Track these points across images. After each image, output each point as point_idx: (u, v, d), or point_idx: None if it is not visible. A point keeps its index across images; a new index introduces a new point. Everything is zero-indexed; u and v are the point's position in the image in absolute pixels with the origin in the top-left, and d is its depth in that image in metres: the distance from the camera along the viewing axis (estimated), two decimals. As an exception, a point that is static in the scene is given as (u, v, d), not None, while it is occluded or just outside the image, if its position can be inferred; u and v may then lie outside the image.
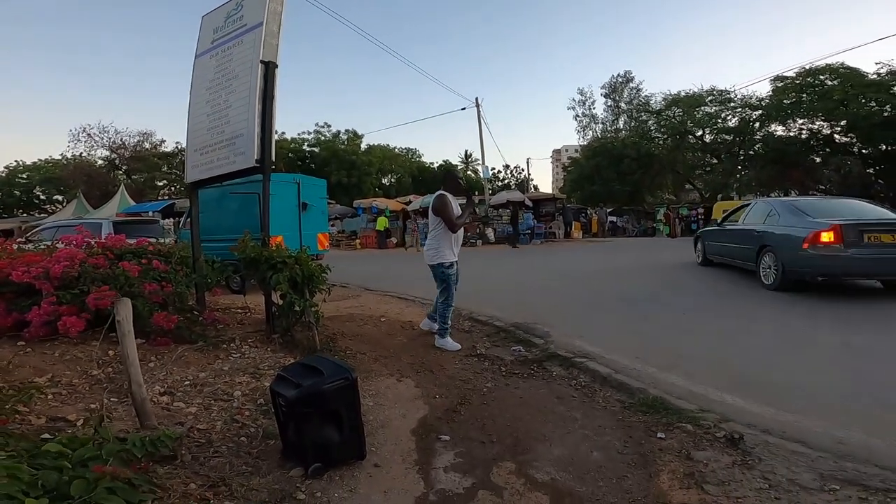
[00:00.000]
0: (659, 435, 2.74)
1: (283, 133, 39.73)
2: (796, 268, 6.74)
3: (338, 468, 2.36)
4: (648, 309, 6.26)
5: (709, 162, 34.73)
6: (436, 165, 52.28)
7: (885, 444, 2.48)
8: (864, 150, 26.99)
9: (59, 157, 38.22)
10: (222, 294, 6.64)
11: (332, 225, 24.34)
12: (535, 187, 56.02)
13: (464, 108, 28.34)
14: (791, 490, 2.13)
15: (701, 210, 29.63)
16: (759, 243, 7.69)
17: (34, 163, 39.14)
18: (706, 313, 5.94)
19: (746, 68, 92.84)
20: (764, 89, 30.47)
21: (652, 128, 35.45)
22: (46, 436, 1.90)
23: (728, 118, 31.88)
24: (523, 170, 59.13)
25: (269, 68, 4.39)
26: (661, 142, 34.47)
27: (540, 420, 3.02)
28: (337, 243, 23.26)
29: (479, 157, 31.21)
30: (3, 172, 38.98)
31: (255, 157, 4.30)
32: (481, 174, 30.90)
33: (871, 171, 27.44)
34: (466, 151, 59.41)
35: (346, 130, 42.47)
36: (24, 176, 38.79)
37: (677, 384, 3.48)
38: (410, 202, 26.50)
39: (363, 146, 42.90)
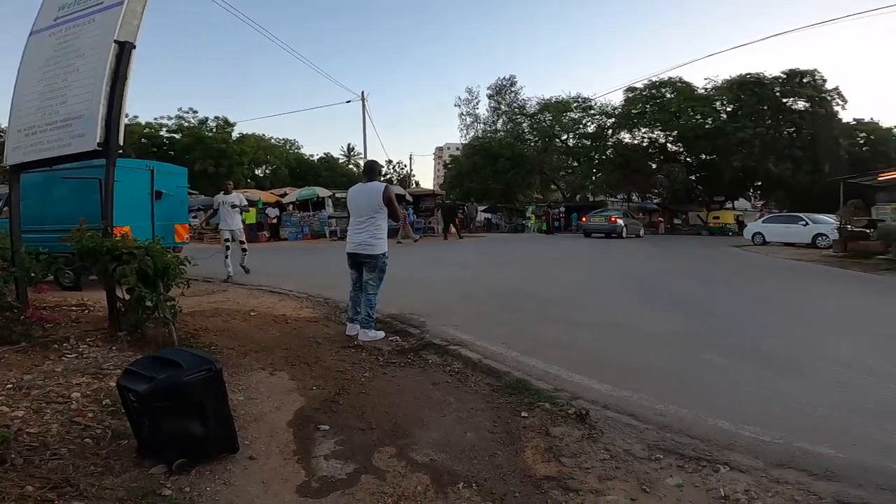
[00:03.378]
0: (523, 414, 2.98)
1: (136, 117, 35.02)
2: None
3: (207, 463, 2.23)
4: (515, 299, 6.82)
5: (570, 164, 38.28)
6: (316, 158, 50.50)
7: (692, 416, 2.95)
8: (688, 159, 31.93)
9: None
10: (50, 291, 5.69)
11: (195, 216, 22.02)
12: (417, 183, 56.77)
13: (349, 101, 27.73)
14: (627, 459, 2.45)
15: (563, 209, 32.65)
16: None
17: None
18: (566, 303, 6.62)
19: (611, 77, 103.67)
20: (619, 98, 34.74)
21: (526, 130, 38.02)
22: None
23: (588, 124, 35.47)
24: (405, 165, 59.58)
25: (125, 49, 4.00)
26: (532, 144, 37.02)
27: (417, 406, 3.11)
28: (200, 236, 21.09)
29: (362, 151, 30.75)
30: None
31: (98, 140, 3.86)
32: (363, 168, 30.37)
33: (693, 177, 32.57)
34: (349, 145, 57.92)
35: (216, 117, 38.94)
36: None
37: (537, 367, 3.82)
38: (286, 194, 25.14)
39: (235, 135, 39.64)
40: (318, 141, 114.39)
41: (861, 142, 31.57)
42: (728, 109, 29.30)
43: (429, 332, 4.80)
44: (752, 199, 37.78)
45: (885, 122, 34.40)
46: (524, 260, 13.25)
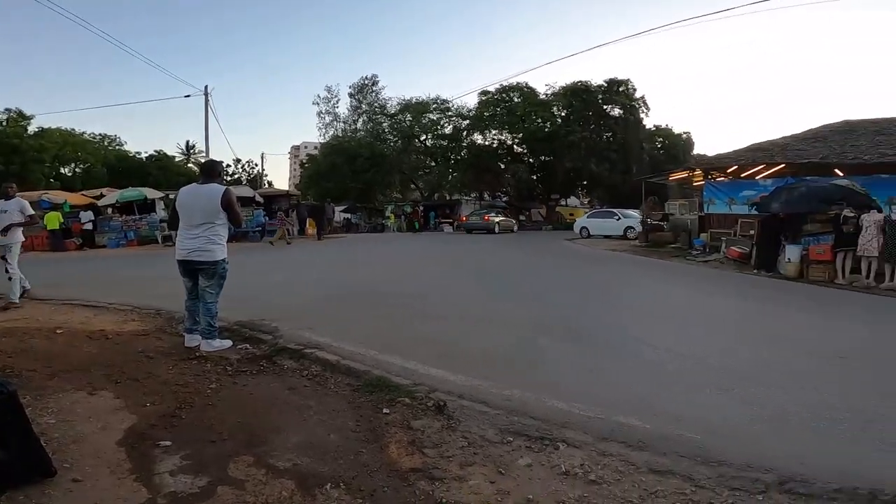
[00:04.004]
0: (384, 411, 3.00)
1: None
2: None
3: (20, 488, 1.95)
4: (372, 298, 6.86)
5: (428, 164, 39.35)
6: (145, 155, 44.18)
7: (534, 398, 3.25)
8: (530, 160, 35.15)
9: None
10: None
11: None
12: (270, 183, 52.78)
13: (188, 96, 24.45)
14: (483, 445, 2.61)
15: (422, 208, 33.53)
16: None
17: None
18: (419, 299, 6.82)
19: (469, 79, 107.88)
20: (474, 101, 36.64)
21: (386, 130, 37.91)
22: None
23: (445, 125, 36.73)
24: (257, 165, 54.95)
25: None
26: (392, 143, 37.11)
27: (275, 413, 2.95)
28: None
29: (204, 149, 27.63)
30: None
31: None
32: (201, 168, 27.26)
33: (534, 177, 35.96)
34: (188, 142, 51.21)
35: (7, 109, 31.80)
36: None
37: (395, 363, 3.87)
38: (102, 195, 21.39)
39: (32, 129, 32.86)
40: (150, 138, 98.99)
41: (659, 146, 37.99)
42: (563, 114, 32.73)
43: (283, 336, 4.56)
44: (580, 196, 42.91)
45: (676, 129, 41.71)
46: (382, 259, 13.32)
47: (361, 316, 5.70)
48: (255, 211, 21.23)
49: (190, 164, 47.05)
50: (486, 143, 35.42)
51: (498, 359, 4.16)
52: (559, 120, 32.39)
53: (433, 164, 38.56)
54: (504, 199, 37.81)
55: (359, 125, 40.61)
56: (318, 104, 44.36)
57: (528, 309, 6.29)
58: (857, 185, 10.14)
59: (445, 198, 37.85)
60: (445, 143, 36.47)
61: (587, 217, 24.33)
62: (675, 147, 38.10)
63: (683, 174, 18.35)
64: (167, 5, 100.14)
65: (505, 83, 32.87)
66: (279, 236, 19.25)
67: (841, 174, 12.33)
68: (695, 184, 18.21)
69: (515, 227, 27.41)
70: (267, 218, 21.54)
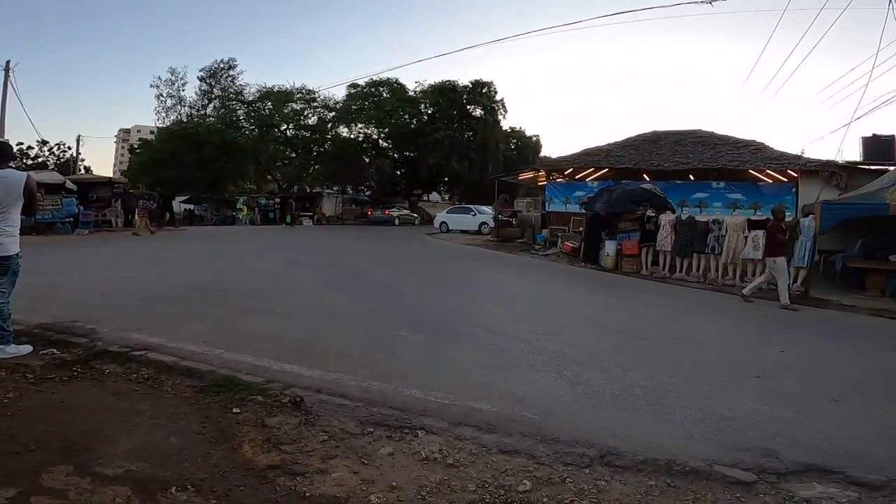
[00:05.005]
0: (234, 410, 2.84)
1: None
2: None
3: None
4: (214, 295, 6.29)
5: (288, 155, 37.12)
6: None
7: (393, 389, 3.34)
8: (395, 155, 35.32)
9: None
10: None
11: None
12: (88, 169, 44.45)
13: None
14: (344, 437, 2.62)
15: (278, 200, 31.52)
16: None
17: None
18: (268, 295, 6.52)
19: (336, 71, 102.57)
20: (342, 93, 35.26)
21: (241, 117, 34.95)
22: None
23: (310, 116, 34.98)
24: (70, 148, 45.61)
25: None
26: (248, 132, 34.38)
27: (97, 420, 2.62)
28: None
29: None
30: None
31: None
32: None
33: (398, 172, 36.25)
34: None
35: None
36: None
37: (245, 361, 3.68)
38: None
39: None
40: None
41: (513, 146, 41.02)
42: (429, 112, 33.49)
43: (102, 339, 4.01)
44: (441, 192, 44.45)
45: (529, 131, 45.30)
46: (228, 254, 12.26)
47: (203, 314, 5.19)
48: (64, 199, 17.73)
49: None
50: (352, 136, 34.74)
51: (353, 352, 4.16)
52: (426, 117, 33.13)
53: (293, 155, 36.65)
54: (367, 193, 37.51)
55: (209, 111, 36.62)
56: (157, 86, 38.79)
57: (380, 302, 6.38)
58: (658, 188, 12.19)
59: (305, 190, 36.21)
60: (308, 135, 34.94)
61: (447, 213, 25.33)
62: (526, 148, 41.46)
63: (530, 174, 20.21)
64: None
65: (375, 78, 32.70)
66: (142, 226, 17.93)
67: (647, 178, 14.75)
68: (539, 183, 20.20)
69: (417, 221, 27.87)
70: (81, 208, 18.17)
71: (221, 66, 38.69)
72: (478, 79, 33.57)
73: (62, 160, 43.26)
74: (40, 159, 42.86)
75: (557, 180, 17.73)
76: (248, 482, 2.10)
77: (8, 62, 19.39)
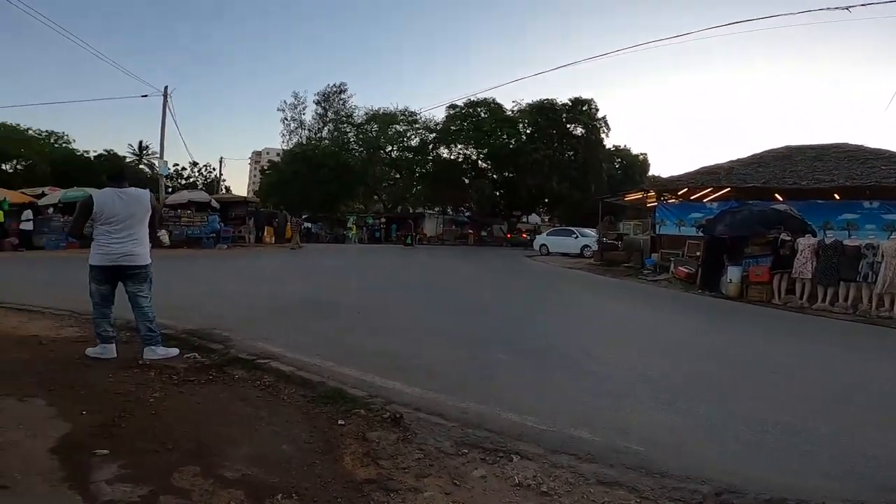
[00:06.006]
0: (339, 422, 2.95)
1: None
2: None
3: None
4: (328, 309, 6.76)
5: (392, 176, 39.07)
6: (93, 154, 41.04)
7: (489, 411, 3.29)
8: (494, 176, 35.49)
9: None
10: None
11: None
12: (228, 189, 50.94)
13: (145, 96, 23.23)
14: (439, 457, 2.61)
15: (384, 220, 33.32)
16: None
17: None
18: (376, 312, 6.79)
19: (437, 92, 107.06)
20: (441, 114, 36.73)
21: (351, 140, 37.42)
22: None
23: (412, 137, 36.56)
24: (214, 169, 52.81)
25: None
26: (357, 154, 36.68)
27: (224, 423, 2.86)
28: None
29: (159, 150, 26.38)
30: None
31: None
32: (158, 169, 26.21)
33: (497, 193, 36.37)
34: (141, 143, 48.35)
35: None
36: None
37: (352, 375, 3.83)
38: (44, 194, 20.03)
39: None
40: (100, 136, 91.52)
41: (617, 166, 39.25)
42: (528, 131, 33.29)
43: (234, 346, 4.43)
44: (541, 214, 43.84)
45: (634, 150, 43.23)
46: (342, 270, 13.13)
47: (318, 327, 5.61)
48: (209, 216, 20.48)
49: (142, 165, 44.75)
50: (452, 157, 35.58)
51: (454, 372, 4.17)
52: (524, 137, 32.97)
53: (398, 176, 38.40)
54: (467, 213, 38.11)
55: (324, 133, 40.00)
56: (283, 110, 43.47)
57: (480, 323, 6.37)
58: (794, 209, 10.85)
59: (408, 210, 37.80)
60: (411, 156, 36.39)
61: (547, 235, 24.86)
62: (632, 168, 39.48)
63: (638, 195, 19.14)
64: (128, 6, 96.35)
65: (473, 98, 33.14)
66: (295, 242, 20.91)
67: (780, 199, 13.16)
68: (648, 205, 19.04)
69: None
70: (222, 224, 20.81)
71: (333, 89, 42.19)
72: (577, 96, 32.87)
73: (208, 180, 49.90)
74: (191, 179, 49.76)
75: (669, 201, 16.57)
76: (346, 495, 2.15)
77: (166, 88, 22.33)
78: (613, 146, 39.37)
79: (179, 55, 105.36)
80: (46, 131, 39.01)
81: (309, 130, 41.90)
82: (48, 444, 2.38)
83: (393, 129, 36.29)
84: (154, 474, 2.19)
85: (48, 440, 2.42)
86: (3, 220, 16.39)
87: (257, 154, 74.61)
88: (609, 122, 34.26)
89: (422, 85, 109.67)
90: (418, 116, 36.31)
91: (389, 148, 37.27)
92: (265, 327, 5.30)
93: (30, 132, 36.67)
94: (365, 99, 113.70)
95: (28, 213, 17.59)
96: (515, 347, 5.10)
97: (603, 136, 34.44)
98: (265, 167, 45.44)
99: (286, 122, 43.45)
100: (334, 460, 2.47)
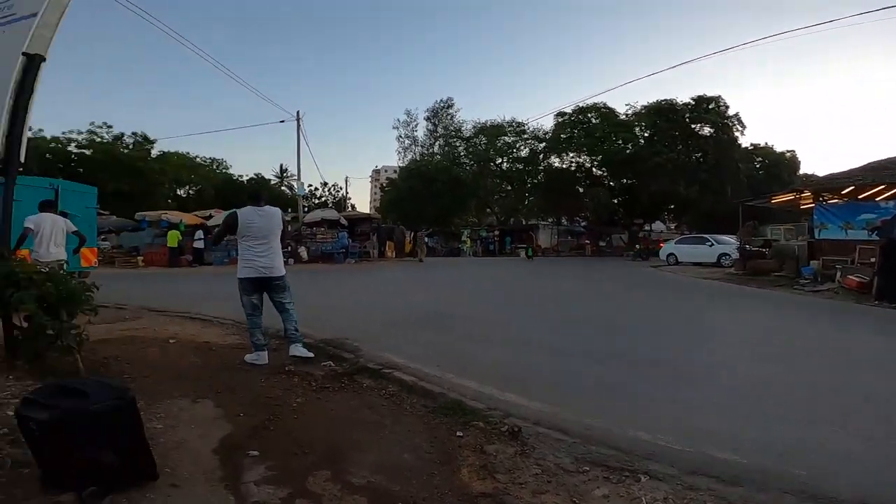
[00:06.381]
0: (458, 433, 3.00)
1: (41, 130, 31.32)
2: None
3: (124, 491, 2.09)
4: (448, 321, 6.94)
5: (504, 188, 39.16)
6: (245, 178, 47.37)
7: (616, 428, 3.12)
8: (611, 183, 33.69)
9: None
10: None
11: (104, 239, 20.20)
12: (353, 206, 55.50)
13: (282, 121, 26.39)
14: (558, 473, 2.53)
15: (497, 233, 33.48)
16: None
17: None
18: (497, 325, 6.80)
19: (544, 101, 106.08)
20: (550, 123, 36.23)
21: (461, 153, 38.40)
22: None
23: (521, 148, 36.41)
24: (341, 188, 58.18)
25: (34, 61, 3.84)
26: (468, 167, 37.50)
27: (353, 429, 3.05)
28: (110, 260, 19.45)
29: (296, 172, 29.72)
30: None
31: None
32: (297, 191, 29.58)
33: (615, 201, 34.46)
34: (282, 166, 55.43)
35: (133, 133, 36.08)
36: None
37: (471, 387, 3.88)
38: (211, 216, 23.76)
39: (155, 152, 36.93)
40: (248, 161, 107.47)
41: (757, 165, 34.94)
42: (646, 135, 31.20)
43: (363, 356, 4.75)
44: (667, 221, 40.59)
45: (778, 147, 38.22)
46: (459, 282, 13.45)
47: (438, 338, 5.80)
48: (339, 233, 22.43)
49: (283, 187, 50.34)
50: (564, 165, 34.61)
51: (576, 386, 4.04)
52: (642, 141, 30.99)
53: (509, 187, 38.38)
54: (583, 224, 36.71)
55: (435, 149, 41.49)
56: (397, 128, 46.21)
57: (606, 337, 6.06)
58: None
59: (521, 222, 37.47)
60: (522, 167, 36.15)
61: (675, 243, 22.92)
62: (776, 167, 34.94)
63: (789, 196, 16.75)
64: (263, 37, 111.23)
65: (581, 104, 32.10)
66: (421, 254, 22.54)
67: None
68: (802, 206, 16.62)
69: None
70: (350, 240, 22.65)
71: (442, 105, 43.61)
72: (701, 95, 30.08)
73: (336, 199, 54.72)
74: (323, 199, 54.91)
75: (831, 201, 14.26)
76: (461, 507, 2.17)
77: (298, 112, 25.04)
78: (751, 144, 35.33)
79: (306, 81, 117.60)
80: (210, 158, 45.47)
81: (421, 146, 43.85)
82: (212, 445, 2.69)
83: (501, 141, 36.43)
84: (293, 477, 2.38)
85: (212, 440, 2.75)
86: (181, 239, 19.76)
87: (376, 171, 79.86)
88: (742, 120, 30.83)
89: (526, 95, 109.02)
90: (526, 127, 36.12)
91: (499, 160, 37.43)
92: (390, 338, 5.62)
93: (197, 160, 42.77)
94: (472, 113, 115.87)
95: (199, 233, 20.97)
96: (647, 362, 4.79)
97: (737, 134, 31.05)
98: (384, 184, 48.37)
99: (400, 139, 46.08)
100: (452, 472, 2.51)
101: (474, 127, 38.43)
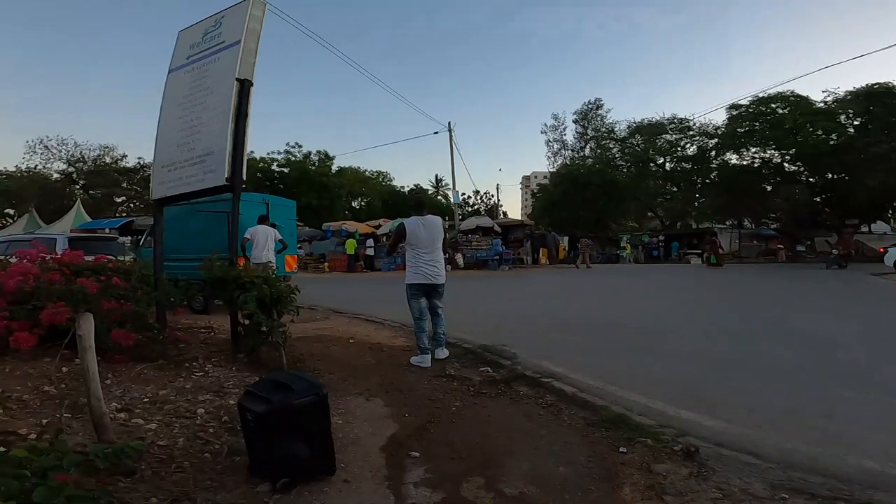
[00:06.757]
0: (621, 449, 2.83)
1: (252, 152, 38.29)
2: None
3: (307, 483, 2.33)
4: (611, 330, 6.54)
5: (669, 190, 35.86)
6: (406, 189, 51.19)
7: (828, 454, 2.65)
8: (811, 179, 28.36)
9: (14, 170, 36.19)
10: (184, 314, 6.45)
11: (300, 247, 23.83)
12: (505, 213, 56.49)
13: (436, 133, 28.25)
14: (744, 499, 2.23)
15: (662, 238, 30.67)
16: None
17: (-15, 174, 36.83)
18: (667, 336, 6.19)
19: (706, 96, 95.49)
20: (720, 117, 32.14)
21: (616, 155, 36.40)
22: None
23: (687, 146, 33.08)
24: (493, 195, 59.76)
25: (245, 86, 4.36)
26: (624, 169, 35.34)
27: (508, 437, 3.07)
28: (304, 266, 22.85)
29: (450, 182, 31.42)
30: (-50, 185, 36.53)
31: (226, 176, 4.21)
32: (451, 199, 31.23)
33: (817, 199, 28.89)
34: (437, 176, 59.28)
35: (318, 151, 41.36)
36: (-24, 188, 36.48)
37: (638, 401, 3.62)
38: (380, 226, 26.36)
39: (334, 168, 41.98)
40: (407, 172, 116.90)
41: None
42: (855, 123, 25.81)
43: (521, 363, 4.75)
44: (892, 222, 32.72)
45: None
46: (624, 291, 12.66)
47: (600, 348, 5.53)
48: (493, 240, 22.93)
49: (439, 197, 53.23)
50: (744, 162, 30.14)
51: (769, 407, 3.50)
52: (850, 130, 25.52)
53: (675, 189, 35.00)
54: (773, 226, 31.53)
55: (586, 152, 39.86)
56: (545, 133, 45.65)
57: (807, 355, 5.07)
58: None
59: (690, 226, 33.75)
60: (689, 166, 32.71)
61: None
62: None
63: None
64: (416, 49, 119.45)
65: (762, 94, 27.60)
66: (583, 261, 22.33)
67: None
68: None
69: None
70: (504, 247, 22.99)
71: (590, 107, 41.48)
72: None
73: (488, 206, 56.06)
74: (475, 206, 56.74)
75: None
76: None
77: (449, 123, 26.31)
78: None
79: (457, 92, 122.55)
80: (376, 171, 49.92)
81: (571, 150, 42.48)
82: (380, 442, 2.92)
83: (662, 140, 33.40)
84: (448, 481, 2.46)
85: (381, 438, 2.98)
86: (356, 247, 22.36)
87: (526, 178, 79.76)
88: None
89: (686, 90, 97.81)
90: (691, 123, 32.44)
91: (661, 160, 34.34)
92: (548, 345, 5.53)
93: (366, 173, 47.25)
94: (622, 113, 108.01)
95: (370, 241, 23.49)
96: (867, 385, 3.96)
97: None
98: (535, 190, 48.04)
99: (549, 143, 45.34)
100: (612, 489, 2.39)
101: (629, 127, 36.03)
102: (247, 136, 4.35)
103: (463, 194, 54.28)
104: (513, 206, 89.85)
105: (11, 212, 34.28)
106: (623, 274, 19.28)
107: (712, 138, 31.35)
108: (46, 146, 35.49)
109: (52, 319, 3.59)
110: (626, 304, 9.69)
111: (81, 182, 36.75)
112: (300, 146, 40.70)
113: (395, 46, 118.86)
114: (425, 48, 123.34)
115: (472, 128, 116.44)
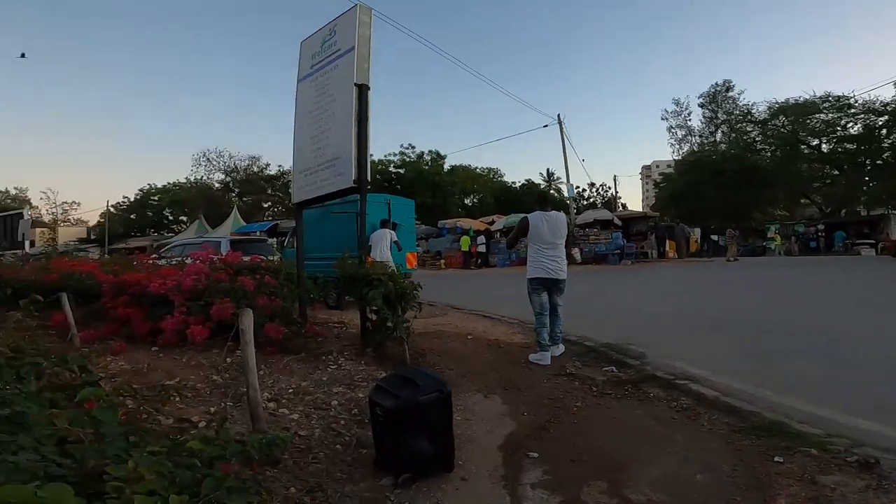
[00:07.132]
0: (776, 459, 2.54)
1: (371, 155, 40.46)
2: None
3: (426, 479, 2.38)
4: (752, 331, 5.77)
5: (829, 174, 31.20)
6: (518, 185, 50.41)
7: None
8: None
9: (185, 181, 42.89)
10: (320, 309, 7.04)
11: (418, 245, 24.89)
12: (624, 205, 52.97)
13: (546, 126, 27.27)
14: None
15: (822, 227, 26.54)
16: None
17: (164, 186, 44.08)
18: (822, 338, 5.29)
19: (862, 71, 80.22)
20: (889, 93, 27.05)
21: (756, 139, 32.77)
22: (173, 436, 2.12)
23: (849, 126, 28.65)
24: (610, 188, 56.42)
25: (363, 91, 4.55)
26: (767, 153, 31.78)
27: (634, 441, 2.90)
28: (422, 263, 23.79)
29: (563, 175, 30.33)
30: (138, 195, 44.63)
31: (353, 178, 4.48)
32: (565, 193, 30.17)
33: None
34: (549, 170, 57.45)
35: (430, 151, 42.32)
36: (156, 198, 44.00)
37: (797, 408, 3.20)
38: (493, 222, 26.36)
39: (446, 167, 42.66)
40: (518, 168, 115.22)
41: None
42: None
43: (650, 363, 4.42)
44: None
45: None
46: (767, 286, 11.19)
47: (749, 350, 4.89)
48: (613, 234, 21.73)
49: (552, 191, 51.58)
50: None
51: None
52: None
53: (836, 172, 30.09)
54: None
55: (717, 137, 35.89)
56: (666, 119, 42.00)
57: None
58: None
59: (858, 213, 28.68)
60: (853, 147, 27.96)
61: None
62: None
63: None
64: (521, 42, 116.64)
65: None
66: (732, 253, 21.23)
67: None
68: None
69: None
70: (625, 241, 21.67)
71: (718, 89, 37.06)
72: None
73: (605, 199, 53.09)
74: (591, 199, 54.12)
75: None
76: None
77: (559, 115, 25.05)
78: None
79: (565, 84, 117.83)
80: (487, 168, 50.09)
81: (699, 136, 38.53)
82: (497, 441, 2.90)
83: (816, 120, 28.86)
84: (567, 484, 2.37)
85: (498, 437, 2.96)
86: (471, 244, 22.66)
87: (647, 168, 74.23)
88: None
89: (836, 63, 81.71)
90: (851, 100, 27.56)
91: (815, 141, 29.70)
92: (683, 345, 5.08)
93: (477, 170, 47.60)
94: (757, 93, 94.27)
95: (482, 238, 23.62)
96: None
97: None
98: (658, 180, 44.38)
99: (672, 130, 41.65)
100: (763, 500, 2.15)
101: (770, 108, 31.70)
102: (369, 139, 4.55)
103: (577, 187, 52.06)
104: (633, 198, 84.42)
105: (184, 218, 40.81)
106: (771, 267, 16.99)
107: (881, 115, 26.61)
108: (208, 159, 41.56)
109: (220, 314, 4.19)
110: (779, 303, 8.41)
111: (236, 190, 42.34)
112: (413, 147, 42.20)
113: (504, 41, 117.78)
114: (530, 42, 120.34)
115: (584, 118, 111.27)
